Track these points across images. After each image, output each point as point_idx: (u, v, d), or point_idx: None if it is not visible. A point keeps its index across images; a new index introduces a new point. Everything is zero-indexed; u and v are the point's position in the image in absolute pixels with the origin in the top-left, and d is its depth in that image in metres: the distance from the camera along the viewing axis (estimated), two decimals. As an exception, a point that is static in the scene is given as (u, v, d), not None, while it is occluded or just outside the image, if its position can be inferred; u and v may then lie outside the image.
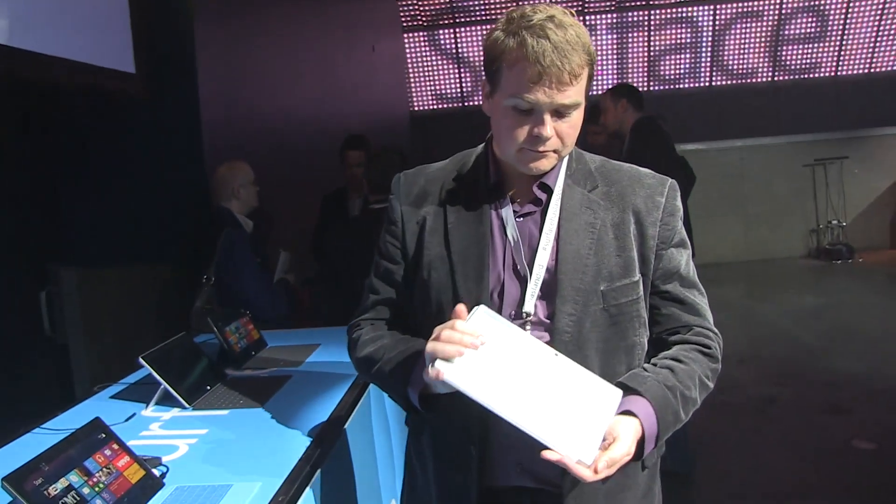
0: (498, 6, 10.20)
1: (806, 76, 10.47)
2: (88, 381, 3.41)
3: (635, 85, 10.43)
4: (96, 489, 1.48)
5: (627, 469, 1.37)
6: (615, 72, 10.40)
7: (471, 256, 1.37)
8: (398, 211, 1.46)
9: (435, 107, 10.72)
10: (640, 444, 1.27)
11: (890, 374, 4.96)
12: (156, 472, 1.65)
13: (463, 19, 10.38)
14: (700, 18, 10.32)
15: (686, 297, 1.41)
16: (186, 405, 2.14)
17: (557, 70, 1.22)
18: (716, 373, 1.41)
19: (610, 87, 4.28)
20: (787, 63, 10.49)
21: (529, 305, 1.35)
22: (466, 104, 10.57)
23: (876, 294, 7.61)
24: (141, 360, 2.12)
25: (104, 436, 1.62)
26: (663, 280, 1.40)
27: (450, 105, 10.66)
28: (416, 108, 10.63)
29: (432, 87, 10.69)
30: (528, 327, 1.35)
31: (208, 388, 2.28)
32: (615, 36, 10.30)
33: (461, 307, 1.23)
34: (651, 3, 10.24)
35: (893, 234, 9.60)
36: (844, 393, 4.69)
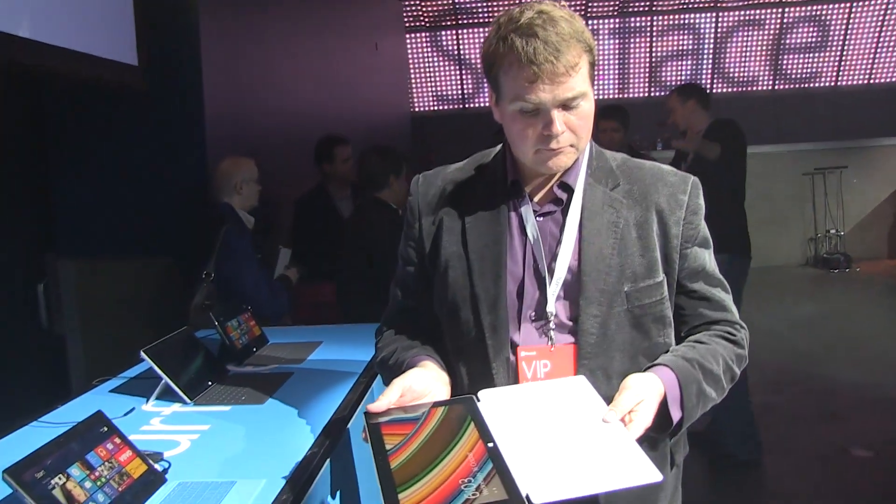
0: (501, 9, 10.19)
1: (806, 85, 10.49)
2: (85, 374, 3.39)
3: (636, 91, 10.48)
4: (98, 483, 1.46)
5: (662, 468, 1.37)
6: (617, 77, 10.40)
7: (488, 255, 1.35)
8: (416, 212, 1.45)
9: (436, 108, 10.70)
10: (665, 413, 1.26)
11: (887, 382, 4.95)
12: (158, 467, 1.63)
13: (465, 21, 10.37)
14: (702, 25, 10.33)
15: (712, 295, 1.41)
16: (188, 400, 2.11)
17: (552, 66, 1.21)
18: (741, 359, 1.40)
19: (677, 86, 4.29)
20: (788, 72, 10.50)
21: (551, 306, 1.33)
22: (467, 106, 10.55)
23: (873, 303, 7.61)
24: (142, 354, 2.10)
25: (106, 429, 1.60)
26: (689, 279, 1.39)
27: (451, 107, 10.63)
28: (417, 109, 10.60)
29: (433, 89, 10.67)
30: (551, 326, 1.33)
31: (210, 383, 2.26)
32: (617, 41, 10.30)
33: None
34: (653, 8, 10.24)
35: (891, 245, 9.60)
36: (841, 401, 4.68)
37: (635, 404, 1.21)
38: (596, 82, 1.33)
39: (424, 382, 1.29)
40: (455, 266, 1.38)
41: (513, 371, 1.34)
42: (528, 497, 1.06)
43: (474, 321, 1.35)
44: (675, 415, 1.28)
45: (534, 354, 1.33)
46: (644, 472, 1.10)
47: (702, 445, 3.73)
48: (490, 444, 1.15)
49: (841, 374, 5.17)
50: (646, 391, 1.23)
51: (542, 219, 1.37)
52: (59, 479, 1.38)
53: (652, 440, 1.31)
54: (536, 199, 1.39)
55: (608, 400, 1.23)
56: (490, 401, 1.26)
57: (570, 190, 1.37)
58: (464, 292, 1.36)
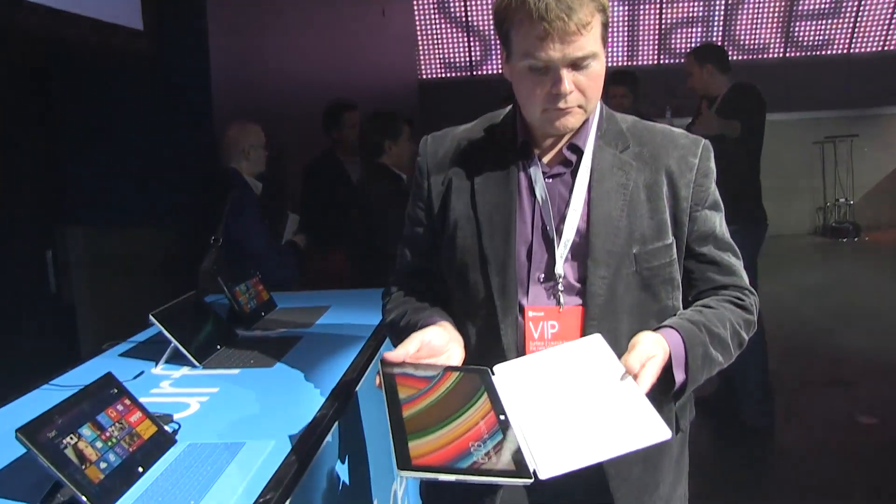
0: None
1: (818, 53, 10.34)
2: (94, 339, 3.42)
3: (644, 59, 10.35)
4: (109, 444, 1.47)
5: None
6: (626, 44, 10.28)
7: (497, 216, 1.35)
8: (424, 172, 1.45)
9: (443, 75, 10.60)
10: (669, 373, 1.26)
11: (893, 350, 4.97)
12: (168, 428, 1.64)
13: (473, -14, 10.24)
14: (713, -9, 10.18)
15: (721, 260, 1.39)
16: (197, 364, 2.12)
17: (563, 24, 1.18)
18: (749, 325, 1.39)
19: (694, 48, 4.13)
20: (800, 39, 10.34)
21: (560, 267, 1.33)
22: (475, 73, 10.46)
23: (881, 272, 7.60)
24: (151, 318, 2.11)
25: (116, 391, 1.61)
26: (698, 242, 1.38)
27: (458, 74, 10.54)
28: (425, 76, 10.52)
29: (441, 55, 10.57)
30: (559, 288, 1.33)
31: (218, 347, 2.27)
32: (626, 7, 10.16)
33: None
34: (664, -26, 10.09)
35: (901, 214, 9.55)
36: (848, 368, 4.72)
37: (647, 359, 1.21)
38: (609, 24, 1.30)
39: (442, 340, 1.30)
40: (464, 227, 1.37)
41: (521, 332, 1.34)
42: (535, 472, 1.07)
43: (483, 282, 1.35)
44: (679, 377, 1.28)
45: (542, 315, 1.33)
46: (652, 430, 1.10)
47: (709, 410, 3.75)
48: (502, 417, 1.16)
49: (848, 342, 5.18)
50: (655, 348, 1.23)
51: (551, 180, 1.36)
52: (71, 438, 1.39)
53: (656, 403, 1.32)
54: (546, 160, 1.38)
55: None
56: (505, 375, 1.27)
57: (579, 152, 1.36)
58: (473, 253, 1.36)
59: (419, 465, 1.03)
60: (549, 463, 1.08)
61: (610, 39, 1.33)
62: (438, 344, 1.29)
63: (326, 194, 4.04)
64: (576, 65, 1.24)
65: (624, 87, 4.19)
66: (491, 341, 1.35)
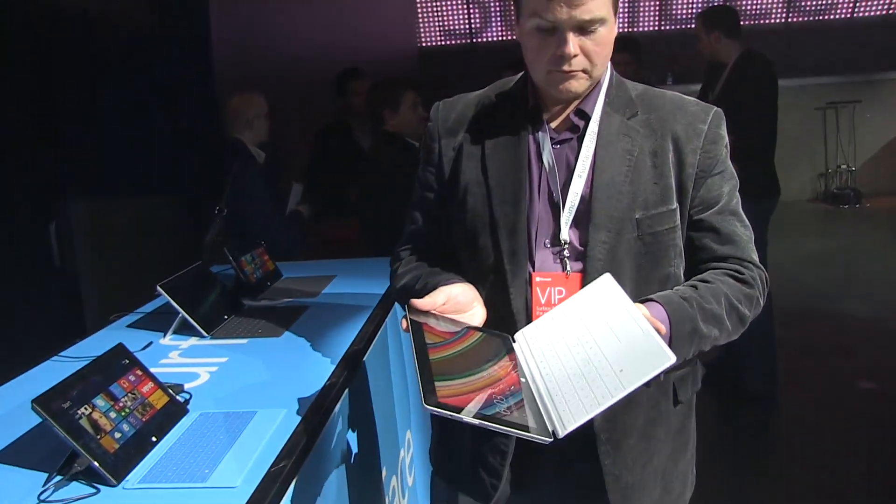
0: (508, -62, 9.91)
1: (821, 18, 10.23)
2: (99, 311, 3.43)
3: (645, 25, 10.22)
4: (122, 414, 1.49)
5: (660, 404, 1.38)
6: (626, 9, 10.16)
7: (507, 182, 1.35)
8: (435, 137, 1.44)
9: (443, 42, 10.50)
10: None
11: (893, 317, 4.98)
12: (179, 398, 1.66)
13: (473, -49, 10.10)
14: (715, -45, 10.03)
15: (723, 228, 1.36)
16: (205, 334, 2.14)
17: None
18: (751, 299, 1.35)
19: (702, 11, 4.04)
20: (802, 4, 10.23)
21: (564, 233, 1.33)
22: (475, 40, 10.35)
23: (882, 239, 7.58)
24: (159, 289, 2.12)
25: (128, 362, 1.62)
26: (701, 209, 1.36)
27: (458, 41, 10.43)
28: (425, 44, 10.41)
29: (441, 23, 10.45)
30: (565, 254, 1.33)
31: (226, 317, 2.28)
32: (627, -28, 10.05)
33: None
34: (666, -63, 9.94)
35: (902, 180, 9.50)
36: (849, 335, 4.73)
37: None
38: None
39: (468, 297, 1.31)
40: (474, 192, 1.37)
41: (529, 297, 1.35)
42: (554, 432, 1.09)
43: (493, 246, 1.35)
44: None
45: (549, 281, 1.33)
46: (654, 358, 1.09)
47: (712, 377, 3.76)
48: (523, 380, 1.19)
49: (849, 309, 5.20)
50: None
51: (558, 146, 1.36)
52: (86, 409, 1.41)
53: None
54: (554, 125, 1.37)
55: None
56: (524, 340, 1.29)
57: (586, 117, 1.35)
58: (483, 218, 1.36)
59: (445, 403, 1.06)
60: (565, 421, 1.10)
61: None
62: (464, 300, 1.30)
63: (336, 163, 4.02)
64: (583, 28, 1.23)
65: (627, 54, 4.13)
66: (500, 306, 1.35)
